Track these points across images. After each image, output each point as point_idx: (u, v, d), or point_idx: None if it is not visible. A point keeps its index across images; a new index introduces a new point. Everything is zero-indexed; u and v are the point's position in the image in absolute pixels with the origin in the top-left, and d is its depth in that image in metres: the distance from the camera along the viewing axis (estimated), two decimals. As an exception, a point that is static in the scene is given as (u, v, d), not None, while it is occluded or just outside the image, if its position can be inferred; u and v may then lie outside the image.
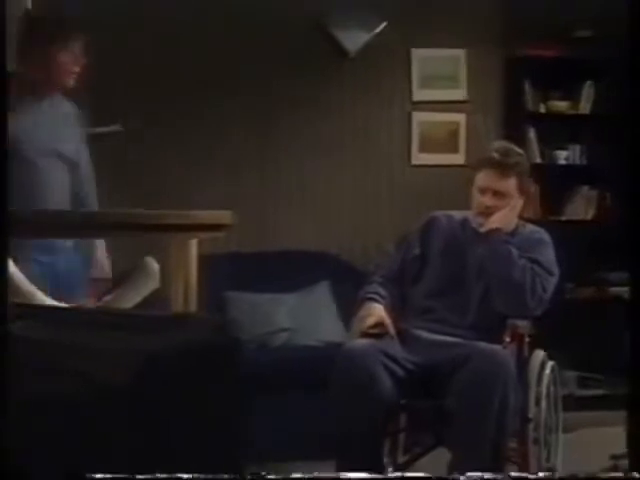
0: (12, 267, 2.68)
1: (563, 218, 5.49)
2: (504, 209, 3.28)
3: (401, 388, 3.03)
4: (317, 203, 5.33)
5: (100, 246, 3.77)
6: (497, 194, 3.27)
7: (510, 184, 3.27)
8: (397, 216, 5.26)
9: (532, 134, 5.42)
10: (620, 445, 4.13)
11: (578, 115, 5.52)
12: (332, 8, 5.21)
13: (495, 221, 3.26)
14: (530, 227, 3.42)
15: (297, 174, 5.33)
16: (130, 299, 3.09)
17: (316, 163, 5.31)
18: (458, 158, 5.45)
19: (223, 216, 2.70)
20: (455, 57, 5.43)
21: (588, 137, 5.54)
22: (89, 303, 3.50)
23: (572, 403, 4.44)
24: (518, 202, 3.32)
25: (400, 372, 3.05)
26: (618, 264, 5.39)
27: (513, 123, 5.46)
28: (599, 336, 5.00)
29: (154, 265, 3.10)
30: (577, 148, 5.52)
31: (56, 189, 3.44)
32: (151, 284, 3.09)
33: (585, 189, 5.55)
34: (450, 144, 5.45)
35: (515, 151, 3.35)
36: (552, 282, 3.21)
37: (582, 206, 5.56)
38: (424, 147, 5.43)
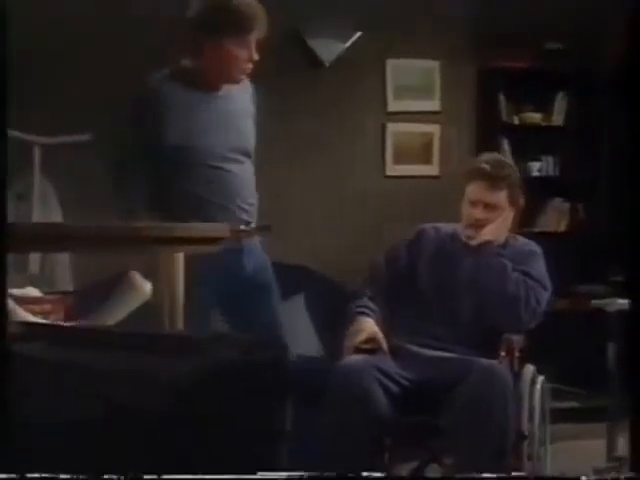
0: None
1: (536, 230, 5.47)
2: (496, 221, 3.24)
3: (395, 405, 2.97)
4: (291, 214, 5.25)
5: None
6: (488, 206, 3.23)
7: (501, 196, 3.23)
8: (371, 227, 5.21)
9: (506, 145, 5.42)
10: (600, 458, 4.15)
11: (551, 127, 5.54)
12: (308, 18, 5.15)
13: (487, 233, 3.22)
14: (520, 239, 3.38)
15: (270, 185, 5.23)
16: (116, 315, 2.99)
17: (291, 174, 5.24)
18: (432, 169, 5.44)
19: (220, 229, 2.61)
20: (429, 68, 5.40)
21: (561, 149, 5.56)
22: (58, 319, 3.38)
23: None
24: (509, 214, 3.28)
25: (394, 388, 2.99)
26: (591, 276, 5.42)
27: (487, 134, 5.45)
28: (574, 348, 4.99)
29: (140, 279, 3.01)
30: (550, 160, 5.53)
31: (245, 189, 3.22)
32: (137, 299, 2.99)
33: (558, 201, 5.57)
34: (424, 155, 5.43)
35: (506, 163, 3.32)
36: (545, 295, 3.19)
37: (555, 218, 5.57)
38: (398, 158, 5.39)
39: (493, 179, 3.21)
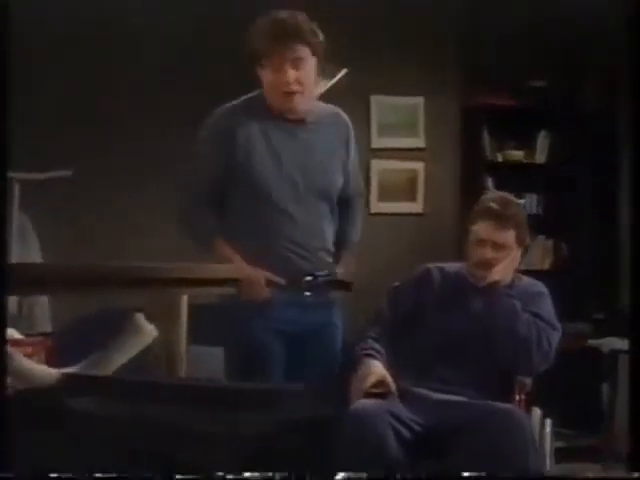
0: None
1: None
2: (504, 261, 3.17)
3: (407, 450, 2.87)
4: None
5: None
6: (496, 246, 3.16)
7: (509, 236, 3.17)
8: (357, 265, 5.13)
9: (489, 183, 5.41)
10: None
11: (534, 164, 5.54)
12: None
13: (496, 273, 3.16)
14: (526, 279, 3.32)
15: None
16: (119, 359, 2.87)
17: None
18: (416, 207, 5.40)
19: (239, 270, 2.52)
20: (413, 105, 5.38)
21: (544, 186, 5.56)
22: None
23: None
24: (516, 254, 3.22)
25: (406, 434, 2.88)
26: (575, 314, 5.39)
27: (471, 172, 5.44)
28: (565, 388, 4.94)
29: (145, 322, 2.89)
30: (533, 197, 5.52)
31: (310, 235, 3.04)
32: (141, 342, 2.88)
33: (541, 239, 5.55)
34: (408, 192, 5.38)
35: (513, 201, 3.26)
36: (556, 337, 3.12)
37: (539, 256, 5.54)
38: (383, 195, 5.34)
39: (501, 218, 3.15)
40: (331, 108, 3.18)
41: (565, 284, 5.42)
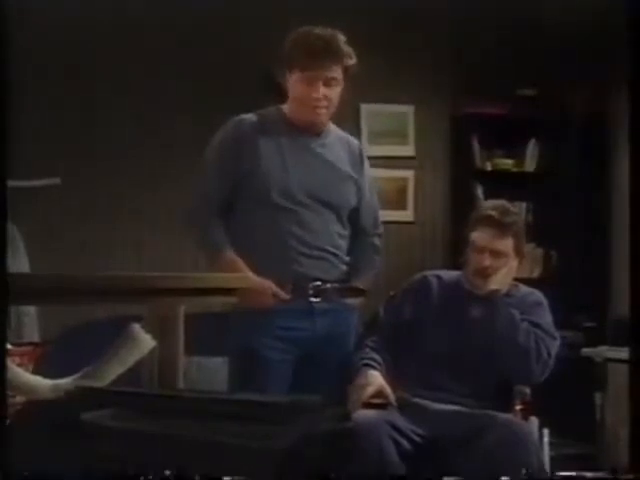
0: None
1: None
2: (502, 269, 3.16)
3: (407, 462, 2.85)
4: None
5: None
6: (494, 254, 3.15)
7: (508, 244, 3.16)
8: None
9: (479, 191, 5.39)
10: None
11: (523, 173, 5.53)
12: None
13: (494, 282, 3.14)
14: (523, 288, 3.31)
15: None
16: (114, 370, 2.83)
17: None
18: (407, 215, 5.39)
19: (242, 279, 2.49)
20: (404, 113, 5.38)
21: (533, 195, 5.55)
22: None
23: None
24: (514, 263, 3.20)
25: (406, 444, 2.87)
26: (565, 323, 5.38)
27: (461, 180, 5.43)
28: (557, 396, 4.93)
29: (141, 332, 2.85)
30: (523, 206, 5.50)
31: (315, 241, 3.03)
32: (137, 353, 2.83)
33: (531, 247, 5.52)
34: (399, 201, 5.37)
35: (512, 210, 3.25)
36: (556, 346, 3.11)
37: (528, 264, 5.51)
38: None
39: (500, 226, 3.14)
40: (343, 132, 3.24)
41: (555, 293, 5.40)
